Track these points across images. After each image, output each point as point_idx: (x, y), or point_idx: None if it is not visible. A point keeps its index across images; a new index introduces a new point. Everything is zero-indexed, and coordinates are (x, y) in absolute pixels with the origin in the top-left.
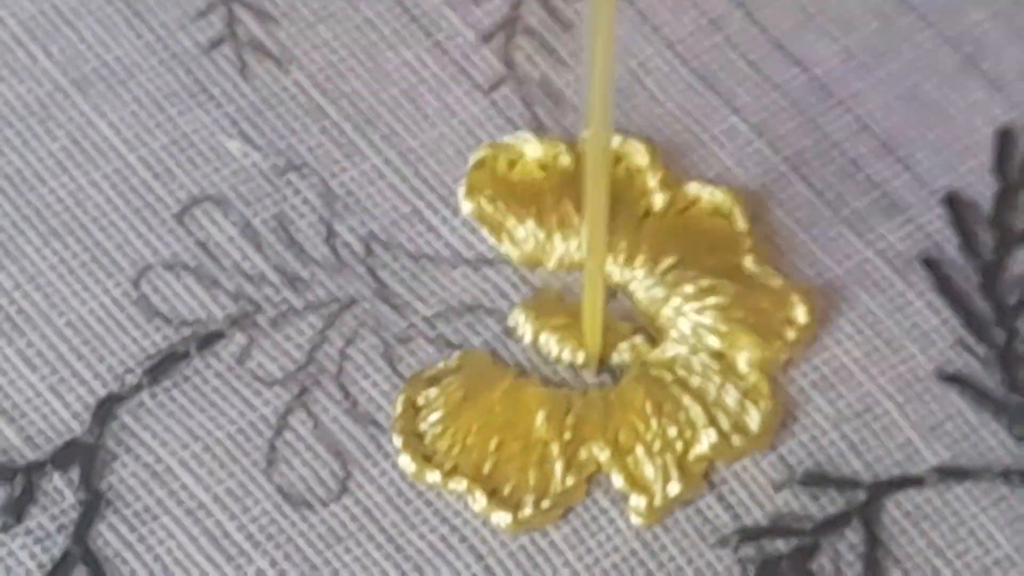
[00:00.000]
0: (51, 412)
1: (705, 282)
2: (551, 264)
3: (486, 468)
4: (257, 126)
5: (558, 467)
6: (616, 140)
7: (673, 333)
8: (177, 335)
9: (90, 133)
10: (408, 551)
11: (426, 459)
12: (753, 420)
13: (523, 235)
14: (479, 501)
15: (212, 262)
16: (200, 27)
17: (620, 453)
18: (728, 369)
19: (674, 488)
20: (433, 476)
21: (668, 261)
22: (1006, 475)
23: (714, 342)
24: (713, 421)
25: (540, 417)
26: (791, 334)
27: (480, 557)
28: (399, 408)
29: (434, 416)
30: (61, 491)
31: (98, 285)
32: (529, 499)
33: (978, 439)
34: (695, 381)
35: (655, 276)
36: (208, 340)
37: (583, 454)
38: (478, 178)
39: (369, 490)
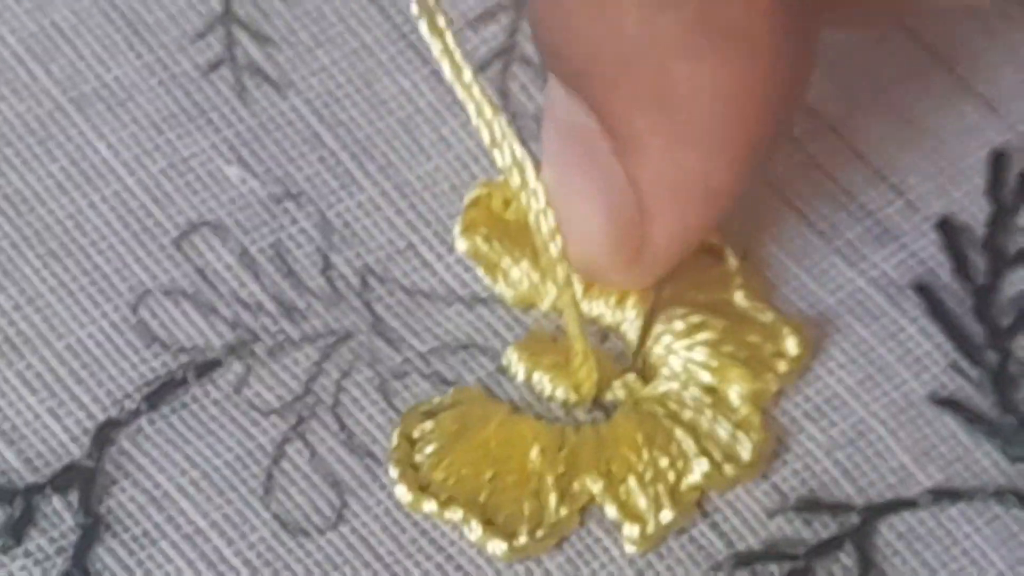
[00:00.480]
0: (50, 435)
1: (695, 319)
2: (544, 306)
3: (481, 499)
4: (255, 152)
5: (552, 498)
6: None
7: (665, 370)
8: (175, 362)
9: (89, 154)
10: None
11: (422, 489)
12: (745, 450)
13: (517, 276)
14: (474, 531)
15: (210, 289)
16: (199, 48)
17: (613, 484)
18: (719, 402)
19: (667, 516)
20: (429, 506)
21: (660, 300)
22: (999, 495)
23: (705, 377)
24: (705, 452)
25: (534, 450)
26: (782, 366)
27: None
28: (395, 440)
29: (430, 448)
30: (60, 514)
31: (97, 309)
32: (524, 529)
33: (972, 460)
34: (687, 414)
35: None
36: (206, 368)
37: (576, 486)
38: (473, 217)
39: (365, 519)
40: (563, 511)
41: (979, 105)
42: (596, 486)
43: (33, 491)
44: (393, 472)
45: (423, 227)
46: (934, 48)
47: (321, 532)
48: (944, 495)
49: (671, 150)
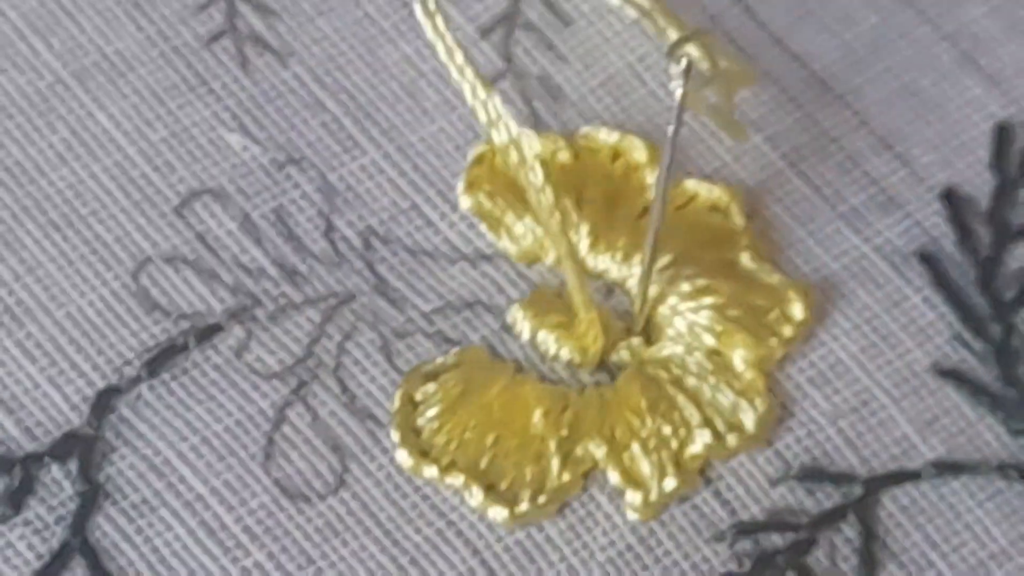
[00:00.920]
0: (50, 404)
1: (701, 281)
2: (549, 260)
3: (483, 463)
4: (257, 120)
5: (555, 463)
6: (614, 136)
7: (670, 331)
8: (176, 328)
9: (90, 125)
10: (405, 545)
11: (423, 454)
12: (749, 418)
13: (521, 231)
14: (476, 496)
15: (211, 255)
16: (201, 20)
17: (616, 449)
18: (724, 367)
19: (670, 484)
20: (430, 471)
21: (665, 259)
22: (1002, 469)
23: (710, 341)
24: (709, 419)
25: (537, 414)
26: (787, 331)
27: (476, 551)
28: (397, 403)
29: (432, 411)
30: (59, 482)
31: (97, 277)
32: (526, 494)
33: (974, 434)
34: (691, 380)
35: (653, 274)
36: (207, 333)
37: (580, 450)
38: (477, 174)
39: (366, 484)
40: (565, 476)
41: (982, 79)
42: (599, 451)
43: (32, 460)
44: (394, 436)
45: (426, 187)
46: (938, 24)
47: (322, 498)
48: (947, 468)
49: None
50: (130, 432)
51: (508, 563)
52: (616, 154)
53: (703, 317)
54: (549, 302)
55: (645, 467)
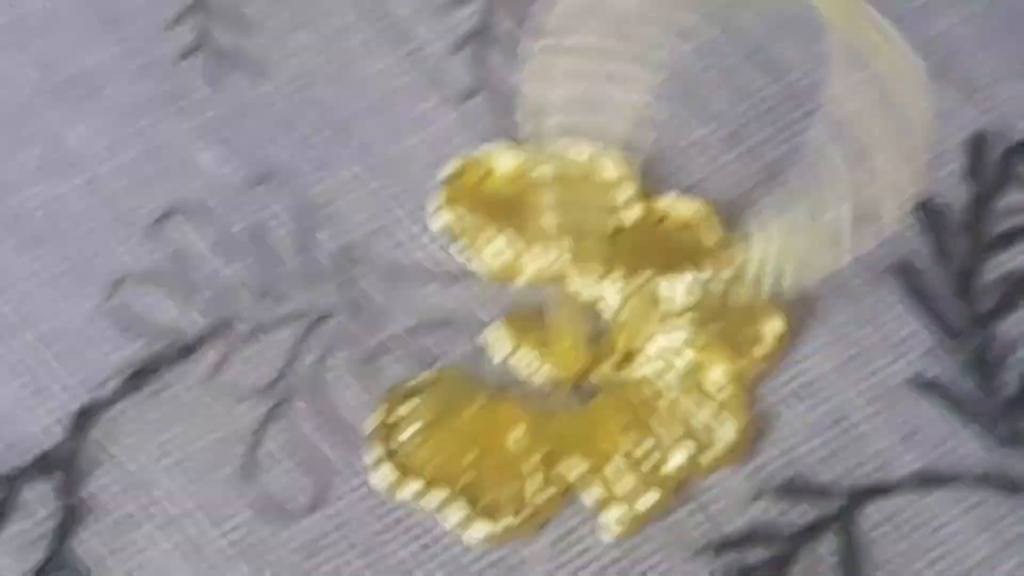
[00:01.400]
0: (31, 420)
1: None
2: (524, 279)
3: (463, 481)
4: (230, 136)
5: (534, 481)
6: (589, 152)
7: (648, 347)
8: (153, 346)
9: (65, 142)
10: (385, 563)
11: (403, 472)
12: (727, 433)
13: (496, 250)
14: (456, 513)
15: (186, 273)
16: (173, 36)
17: (596, 467)
18: (702, 384)
19: (650, 499)
20: (410, 488)
21: (642, 276)
22: (982, 480)
23: (688, 356)
24: (688, 435)
25: (517, 432)
26: (764, 347)
27: (458, 569)
28: (375, 421)
29: (411, 430)
30: (41, 500)
31: (74, 295)
32: (506, 512)
33: (954, 445)
34: (669, 396)
35: (629, 291)
36: (184, 351)
37: (559, 468)
38: (450, 192)
39: (347, 502)
40: (545, 494)
41: (956, 90)
42: (579, 469)
43: (14, 477)
44: (374, 454)
45: (401, 204)
46: (913, 33)
47: (303, 515)
48: (927, 479)
49: None
50: (111, 449)
51: None
52: (590, 170)
53: (681, 331)
54: (527, 321)
55: (625, 484)
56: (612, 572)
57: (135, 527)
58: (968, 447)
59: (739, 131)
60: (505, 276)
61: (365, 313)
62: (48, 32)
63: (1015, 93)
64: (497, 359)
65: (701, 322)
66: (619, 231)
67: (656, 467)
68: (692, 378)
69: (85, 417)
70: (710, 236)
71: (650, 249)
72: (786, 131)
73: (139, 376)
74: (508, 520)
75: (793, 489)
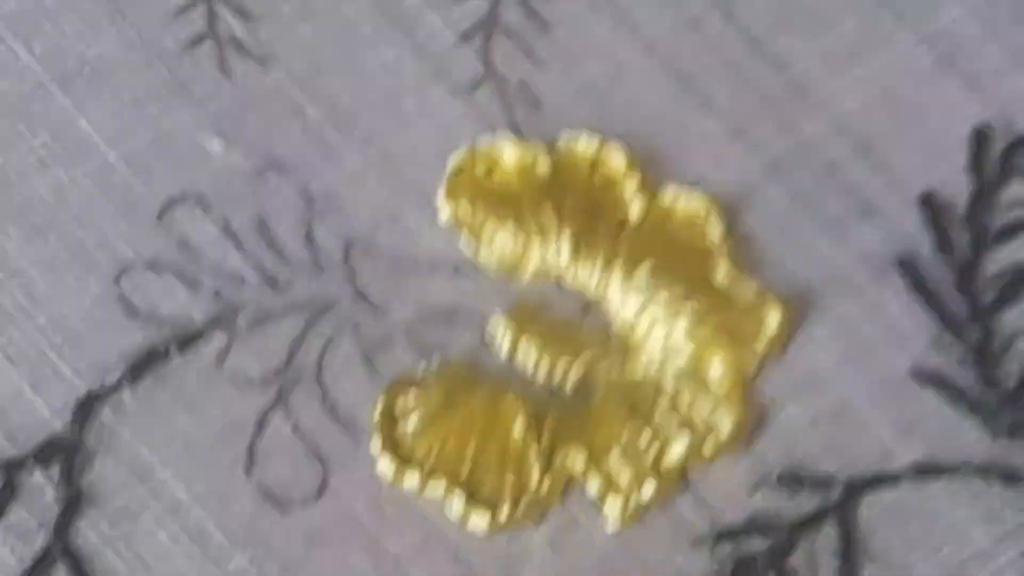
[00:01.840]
0: (32, 409)
1: (680, 289)
2: (529, 271)
3: (464, 472)
4: (237, 126)
5: (535, 471)
6: (594, 145)
7: (649, 339)
8: (157, 334)
9: (72, 131)
10: (386, 553)
11: (404, 462)
12: (727, 425)
13: (501, 242)
14: (457, 503)
15: (192, 262)
16: (181, 25)
17: (596, 457)
18: (703, 374)
19: (649, 490)
20: (411, 479)
21: (644, 269)
22: (982, 471)
23: (689, 347)
24: (688, 426)
25: (518, 423)
26: (766, 340)
27: (458, 559)
28: (378, 411)
29: (413, 420)
30: (42, 487)
31: (79, 283)
32: (507, 502)
33: (954, 436)
34: (669, 387)
35: (631, 284)
36: (188, 339)
37: (560, 458)
38: (456, 184)
39: (348, 492)
40: (546, 484)
41: (961, 82)
42: (580, 459)
43: (14, 465)
44: (376, 444)
45: (407, 195)
46: (916, 27)
47: (304, 504)
48: (926, 470)
49: None
50: (112, 438)
51: (490, 571)
52: (594, 165)
53: (682, 323)
54: (530, 314)
55: (625, 474)
56: (612, 562)
57: (136, 515)
58: (968, 438)
59: (742, 124)
60: (510, 269)
61: (369, 303)
62: (56, 21)
63: (1019, 87)
64: (500, 352)
65: (702, 314)
66: (623, 225)
67: (656, 458)
68: (692, 370)
69: (88, 405)
70: (714, 232)
71: (652, 243)
72: (788, 125)
73: (142, 364)
74: (509, 510)
75: (793, 479)
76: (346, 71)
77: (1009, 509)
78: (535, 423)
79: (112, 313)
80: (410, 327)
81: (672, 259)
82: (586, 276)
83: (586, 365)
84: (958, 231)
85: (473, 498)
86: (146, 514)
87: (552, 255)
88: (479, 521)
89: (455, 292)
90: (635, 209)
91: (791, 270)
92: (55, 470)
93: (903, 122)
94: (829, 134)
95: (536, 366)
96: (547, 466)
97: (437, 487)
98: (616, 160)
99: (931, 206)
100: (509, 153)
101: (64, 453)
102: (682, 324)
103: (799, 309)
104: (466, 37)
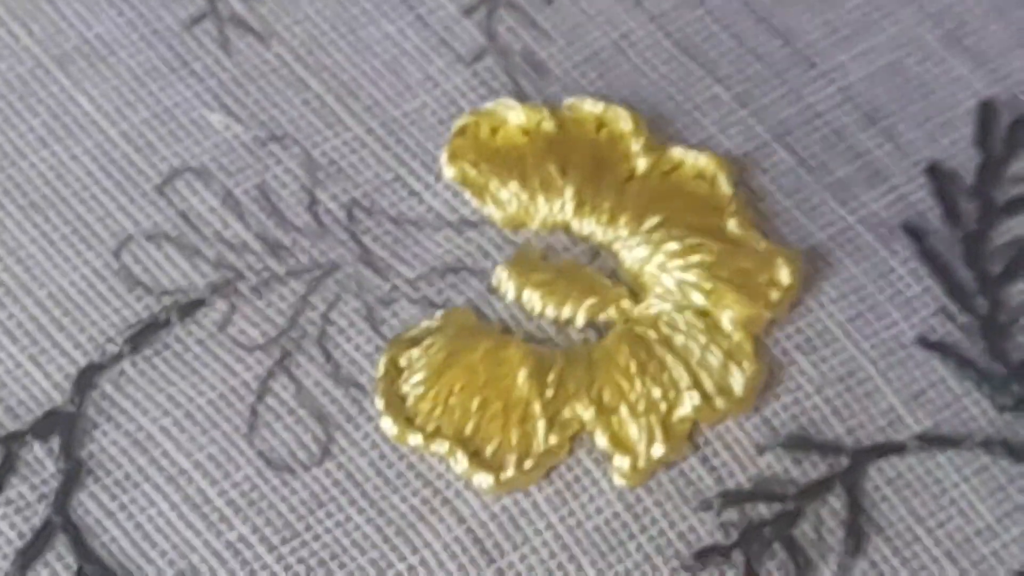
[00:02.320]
0: (31, 382)
1: (690, 240)
2: (534, 225)
3: (468, 429)
4: (239, 99)
5: (540, 426)
6: (599, 107)
7: (657, 289)
8: (158, 304)
9: (71, 108)
10: (390, 514)
11: (408, 421)
12: (737, 382)
13: (506, 197)
14: (461, 463)
15: (193, 232)
16: (182, 3)
17: (604, 412)
18: (712, 327)
19: (658, 449)
20: (415, 438)
21: (652, 221)
22: (988, 445)
23: (698, 299)
24: (697, 382)
25: (522, 375)
26: (775, 294)
27: (462, 519)
28: (381, 370)
29: (416, 377)
30: (41, 460)
31: (79, 257)
32: (511, 460)
33: (960, 408)
34: (679, 339)
35: (639, 235)
36: (189, 308)
37: (566, 413)
38: (461, 144)
39: (351, 454)
40: (552, 440)
41: (967, 59)
42: (587, 413)
43: (13, 439)
44: (379, 403)
45: (410, 159)
46: (922, 3)
47: (306, 468)
48: (933, 441)
49: None
50: (112, 408)
51: (494, 531)
52: (600, 124)
53: (691, 275)
54: (534, 261)
55: (633, 431)
56: (618, 521)
57: (136, 486)
58: (974, 410)
59: (748, 92)
60: (515, 224)
61: (373, 263)
62: (55, 2)
63: None
64: (503, 300)
65: (712, 265)
66: (629, 179)
67: (666, 414)
68: (703, 320)
69: (87, 377)
70: (723, 187)
71: (660, 196)
72: (794, 93)
73: (143, 334)
74: (514, 468)
75: (800, 443)
76: (347, 45)
77: (1015, 484)
78: (540, 375)
79: (112, 285)
80: (414, 284)
81: (680, 213)
82: (592, 228)
83: (592, 310)
84: (965, 202)
85: (477, 457)
86: (146, 484)
87: (557, 208)
88: (483, 480)
89: (460, 248)
90: (642, 164)
91: (798, 229)
92: (55, 443)
93: (909, 95)
94: (835, 103)
95: (540, 313)
96: (552, 421)
97: (441, 446)
98: (622, 121)
99: (939, 176)
100: (515, 114)
101: (64, 425)
102: (692, 274)
103: (808, 269)
104: (469, 9)
